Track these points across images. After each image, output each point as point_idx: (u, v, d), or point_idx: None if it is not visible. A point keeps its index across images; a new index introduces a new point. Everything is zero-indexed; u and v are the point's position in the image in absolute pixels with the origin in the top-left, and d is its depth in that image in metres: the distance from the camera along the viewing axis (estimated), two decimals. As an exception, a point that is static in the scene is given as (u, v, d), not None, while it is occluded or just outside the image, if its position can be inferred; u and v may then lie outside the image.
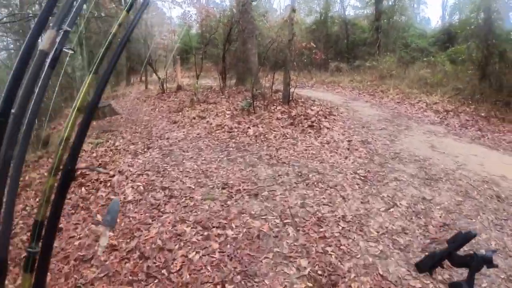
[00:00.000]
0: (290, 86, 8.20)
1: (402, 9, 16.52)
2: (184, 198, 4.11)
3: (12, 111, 0.56)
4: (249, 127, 6.78)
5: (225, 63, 11.63)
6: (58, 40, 0.64)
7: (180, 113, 9.83)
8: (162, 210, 3.85)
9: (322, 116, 6.78)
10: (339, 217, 3.48)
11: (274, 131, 6.35)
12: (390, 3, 16.21)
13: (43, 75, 0.63)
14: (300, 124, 6.40)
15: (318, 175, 4.48)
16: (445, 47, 13.52)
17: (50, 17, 0.68)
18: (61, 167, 0.64)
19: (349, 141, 5.55)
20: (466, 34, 9.24)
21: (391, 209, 3.62)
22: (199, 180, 4.66)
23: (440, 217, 3.51)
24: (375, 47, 14.41)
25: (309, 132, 6.01)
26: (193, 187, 4.44)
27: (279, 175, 4.59)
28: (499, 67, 7.77)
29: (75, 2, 0.68)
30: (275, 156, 5.26)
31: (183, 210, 3.81)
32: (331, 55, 15.95)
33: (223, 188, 4.34)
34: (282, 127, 6.48)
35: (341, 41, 16.88)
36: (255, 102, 8.53)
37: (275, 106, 7.99)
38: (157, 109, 12.05)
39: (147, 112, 12.01)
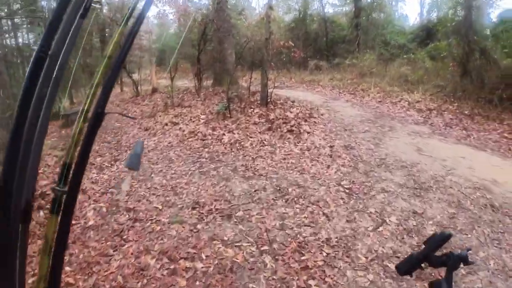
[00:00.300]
0: (268, 87, 7.74)
1: (381, 6, 16.41)
2: (149, 222, 3.61)
3: (49, 52, 0.57)
4: (224, 134, 6.27)
5: (200, 64, 11.03)
6: None
7: (153, 118, 9.19)
8: (125, 237, 3.34)
9: (302, 119, 6.35)
10: (322, 241, 3.03)
11: (251, 137, 5.86)
12: (369, 0, 16.04)
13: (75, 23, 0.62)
14: (279, 129, 5.94)
15: (298, 188, 4.03)
16: (424, 44, 13.46)
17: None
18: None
19: (331, 146, 5.13)
20: (447, 30, 9.06)
21: (380, 228, 3.21)
22: (168, 199, 4.14)
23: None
24: (354, 44, 14.19)
25: (288, 138, 5.56)
26: (161, 207, 3.93)
27: (255, 191, 4.11)
28: (480, 63, 7.59)
29: None
30: (251, 167, 4.78)
31: (148, 237, 3.31)
32: (310, 53, 15.64)
33: (194, 208, 3.85)
34: (260, 132, 6.00)
35: (320, 39, 16.59)
36: (231, 105, 8.03)
37: (252, 109, 7.51)
38: (129, 114, 11.34)
39: (119, 118, 11.28)
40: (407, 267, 0.94)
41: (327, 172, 4.33)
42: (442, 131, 6.37)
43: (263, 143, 5.55)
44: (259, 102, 8.02)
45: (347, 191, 3.87)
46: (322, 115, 6.83)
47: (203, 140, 6.35)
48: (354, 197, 3.73)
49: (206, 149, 5.86)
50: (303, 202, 3.73)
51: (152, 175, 4.99)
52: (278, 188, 4.11)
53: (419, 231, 3.17)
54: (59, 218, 0.63)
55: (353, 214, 3.45)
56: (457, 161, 4.89)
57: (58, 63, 0.58)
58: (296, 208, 3.66)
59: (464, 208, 3.61)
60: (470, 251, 0.94)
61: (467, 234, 3.20)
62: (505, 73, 7.03)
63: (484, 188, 4.13)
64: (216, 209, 3.83)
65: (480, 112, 6.98)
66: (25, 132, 0.54)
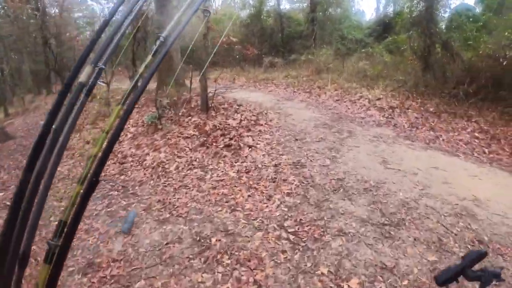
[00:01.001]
0: (208, 91, 6.48)
1: (338, 1, 15.77)
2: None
3: (53, 127, 0.70)
4: (148, 153, 4.93)
5: (135, 65, 9.52)
6: (94, 75, 0.78)
7: (79, 134, 7.56)
8: None
9: (245, 128, 5.16)
10: None
11: (179, 157, 4.58)
12: (326, -5, 15.30)
13: (79, 102, 0.76)
14: (215, 144, 4.71)
15: (225, 237, 2.82)
16: (382, 37, 12.92)
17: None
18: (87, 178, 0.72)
19: (276, 165, 3.98)
20: (407, 23, 8.37)
21: (336, 306, 2.10)
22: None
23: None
24: (311, 39, 13.33)
25: (225, 156, 4.34)
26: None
27: (167, 244, 2.87)
28: (442, 56, 6.89)
29: (110, 43, 0.80)
30: (170, 203, 3.52)
31: None
32: (266, 49, 14.58)
33: (85, 274, 2.59)
34: (191, 149, 4.73)
35: (275, 35, 15.59)
36: (168, 113, 6.69)
37: (190, 117, 6.21)
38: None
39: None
40: (444, 278, 0.99)
41: (267, 207, 3.17)
42: (408, 133, 5.50)
43: (192, 164, 4.29)
44: (200, 108, 6.74)
45: (291, 237, 2.72)
46: (270, 120, 5.70)
47: (122, 163, 4.96)
48: (301, 249, 2.59)
49: (123, 177, 4.50)
50: (229, 262, 2.53)
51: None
52: (198, 238, 2.88)
53: (392, 306, 2.10)
54: (51, 267, 0.70)
55: (298, 279, 2.31)
56: (430, 173, 3.96)
57: (62, 139, 0.70)
58: (218, 272, 2.45)
59: (447, 251, 2.62)
60: (503, 269, 1.11)
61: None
62: (470, 66, 6.35)
63: (466, 213, 3.20)
64: (112, 276, 2.57)
65: (446, 109, 6.23)
66: (28, 191, 0.64)
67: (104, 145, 0.77)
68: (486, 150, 4.88)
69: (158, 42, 0.89)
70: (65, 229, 0.70)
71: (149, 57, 0.89)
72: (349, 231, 2.76)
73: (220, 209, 3.25)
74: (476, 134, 5.36)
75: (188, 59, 10.12)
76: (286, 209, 3.09)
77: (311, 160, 4.08)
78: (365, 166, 3.99)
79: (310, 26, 14.45)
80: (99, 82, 0.84)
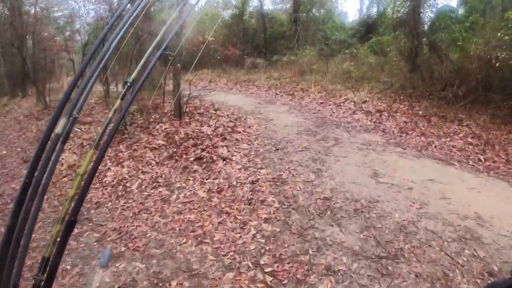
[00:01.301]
0: (181, 96, 5.90)
1: (321, 1, 15.50)
2: None
3: (35, 174, 0.76)
4: (109, 168, 4.31)
5: (106, 69, 8.77)
6: (68, 124, 0.82)
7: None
8: None
9: (220, 137, 4.62)
10: None
11: (144, 172, 3.98)
12: (309, -4, 14.99)
13: (56, 149, 0.81)
14: (185, 156, 4.13)
15: (188, 279, 2.27)
16: (366, 38, 12.68)
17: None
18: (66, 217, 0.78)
19: (253, 182, 3.45)
20: (393, 22, 8.05)
21: None
22: None
23: None
24: (294, 40, 12.93)
25: (195, 171, 3.77)
26: None
27: (114, 290, 2.28)
28: (430, 57, 6.57)
29: (83, 93, 0.85)
30: (127, 232, 2.94)
31: None
32: (248, 50, 14.08)
33: None
34: (158, 163, 4.14)
35: (258, 35, 15.13)
36: (138, 119, 6.07)
37: (161, 124, 5.60)
38: (23, 136, 8.74)
39: (9, 141, 8.75)
40: None
41: (240, 237, 2.62)
42: (398, 140, 5.10)
43: (158, 182, 3.70)
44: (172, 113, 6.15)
45: (269, 280, 2.19)
46: (249, 127, 5.18)
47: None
48: (280, 297, 2.07)
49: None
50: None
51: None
52: (155, 280, 2.31)
53: None
54: None
55: None
56: (426, 187, 3.54)
57: (40, 189, 0.76)
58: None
59: (457, 289, 2.17)
60: None
61: None
62: (459, 67, 6.04)
63: (471, 235, 2.78)
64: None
65: (435, 112, 5.89)
66: (15, 232, 0.72)
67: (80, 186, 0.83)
68: (482, 158, 4.54)
69: (125, 87, 0.94)
70: (48, 265, 0.77)
71: (118, 101, 0.94)
72: (339, 269, 2.26)
73: (184, 241, 2.69)
74: (469, 140, 5.03)
75: (164, 58, 9.49)
76: (263, 241, 2.56)
77: (293, 175, 3.57)
78: (354, 180, 3.52)
79: (293, 27, 14.08)
80: (74, 129, 0.86)
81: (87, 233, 3.16)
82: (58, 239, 0.80)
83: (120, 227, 3.07)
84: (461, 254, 2.55)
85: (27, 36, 14.64)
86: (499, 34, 5.18)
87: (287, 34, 14.56)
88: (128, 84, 0.92)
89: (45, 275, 0.77)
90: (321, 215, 2.86)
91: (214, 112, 6.08)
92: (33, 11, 15.84)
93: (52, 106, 11.42)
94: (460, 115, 5.78)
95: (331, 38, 13.57)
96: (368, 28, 13.95)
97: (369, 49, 11.15)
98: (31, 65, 14.71)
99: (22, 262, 0.74)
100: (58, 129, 0.81)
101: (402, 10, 7.17)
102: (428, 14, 7.73)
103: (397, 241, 2.61)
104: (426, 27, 7.32)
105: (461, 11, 11.20)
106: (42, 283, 0.76)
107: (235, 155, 4.08)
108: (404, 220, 2.88)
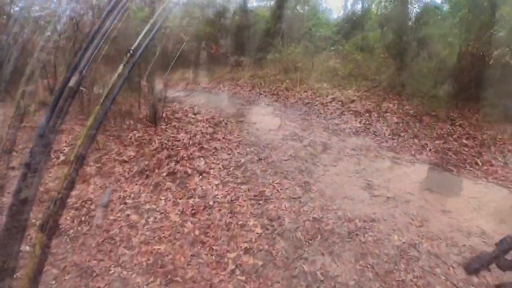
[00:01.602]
0: (158, 99, 5.40)
1: (305, -2, 15.17)
2: None
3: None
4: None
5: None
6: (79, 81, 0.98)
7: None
8: None
9: (197, 146, 4.17)
10: None
11: (112, 191, 3.50)
12: (293, -8, 14.61)
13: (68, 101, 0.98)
14: (157, 170, 3.66)
15: None
16: (352, 35, 12.40)
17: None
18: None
19: (232, 201, 3.03)
20: (380, 19, 7.74)
21: None
22: None
23: None
24: (278, 37, 12.52)
25: (167, 189, 3.31)
26: None
27: None
28: (419, 54, 6.28)
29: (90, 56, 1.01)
30: (88, 268, 2.48)
31: None
32: (232, 48, 13.59)
33: None
34: (127, 179, 3.65)
35: (241, 32, 14.66)
36: (113, 126, 5.53)
37: (135, 132, 5.09)
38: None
39: None
40: (475, 267, 0.95)
41: (216, 274, 2.20)
42: (390, 143, 4.77)
43: (125, 203, 3.22)
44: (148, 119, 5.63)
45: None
46: (230, 133, 4.75)
47: (42, 201, 3.77)
48: None
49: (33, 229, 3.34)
50: None
51: None
52: None
53: None
54: None
55: None
56: (424, 199, 3.21)
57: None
58: None
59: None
60: None
61: None
62: (451, 65, 5.77)
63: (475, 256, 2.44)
64: None
65: (427, 111, 5.60)
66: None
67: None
68: (478, 161, 4.26)
69: (128, 54, 1.09)
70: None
71: (121, 66, 1.10)
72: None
73: (152, 279, 2.24)
74: (464, 141, 4.75)
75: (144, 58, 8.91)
76: (243, 278, 2.15)
77: (278, 190, 3.17)
78: (346, 194, 3.14)
79: (278, 24, 13.70)
80: (81, 88, 1.17)
81: (45, 268, 2.67)
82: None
83: (81, 261, 2.59)
84: (469, 284, 2.21)
85: (5, 38, 13.73)
86: (492, 31, 4.90)
87: (272, 31, 14.15)
88: (131, 52, 1.10)
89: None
90: (310, 241, 2.47)
91: (193, 116, 5.61)
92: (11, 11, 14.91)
93: (26, 113, 10.67)
94: (452, 114, 5.51)
95: (316, 35, 13.25)
96: (353, 25, 13.69)
97: (355, 46, 10.85)
98: (8, 68, 13.82)
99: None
100: (71, 83, 1.01)
101: (390, 6, 6.84)
102: (416, 10, 7.43)
103: (397, 270, 2.25)
104: (414, 23, 7.01)
105: (445, 7, 11.06)
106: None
107: (213, 168, 3.64)
108: (404, 242, 2.52)
